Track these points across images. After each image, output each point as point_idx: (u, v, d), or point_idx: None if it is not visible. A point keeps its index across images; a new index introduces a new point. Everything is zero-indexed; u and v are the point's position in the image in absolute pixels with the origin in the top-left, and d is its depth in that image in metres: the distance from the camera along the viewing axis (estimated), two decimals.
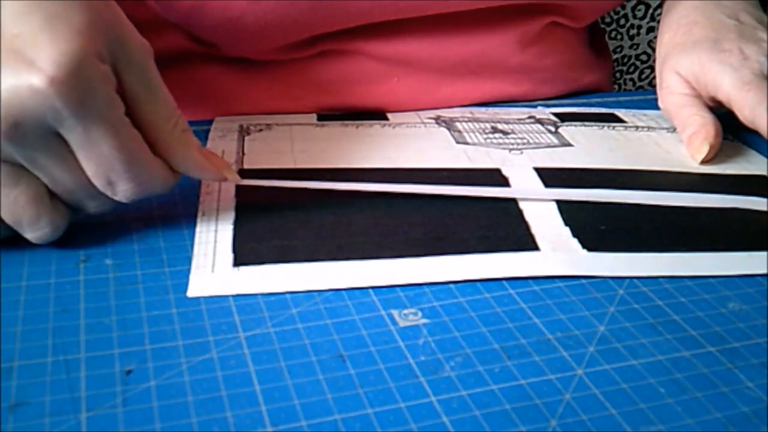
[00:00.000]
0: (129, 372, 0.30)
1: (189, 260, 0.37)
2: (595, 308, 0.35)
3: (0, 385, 0.29)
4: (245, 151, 0.48)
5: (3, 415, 0.28)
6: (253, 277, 0.36)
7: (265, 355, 0.32)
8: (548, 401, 0.30)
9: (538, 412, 0.29)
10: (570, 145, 0.51)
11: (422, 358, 0.32)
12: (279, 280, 0.36)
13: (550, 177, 0.46)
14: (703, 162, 0.49)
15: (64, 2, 0.33)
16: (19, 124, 0.32)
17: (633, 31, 0.93)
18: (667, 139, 0.53)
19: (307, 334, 0.33)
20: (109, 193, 0.36)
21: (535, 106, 0.59)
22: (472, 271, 0.37)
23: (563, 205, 0.43)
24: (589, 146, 0.51)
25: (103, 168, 0.35)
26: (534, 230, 0.41)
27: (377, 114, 0.56)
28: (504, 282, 0.37)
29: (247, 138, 0.50)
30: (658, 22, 0.60)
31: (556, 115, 0.57)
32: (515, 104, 0.59)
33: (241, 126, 0.52)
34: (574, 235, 0.40)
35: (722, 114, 0.51)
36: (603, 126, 0.55)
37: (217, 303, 0.35)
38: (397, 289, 0.36)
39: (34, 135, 0.33)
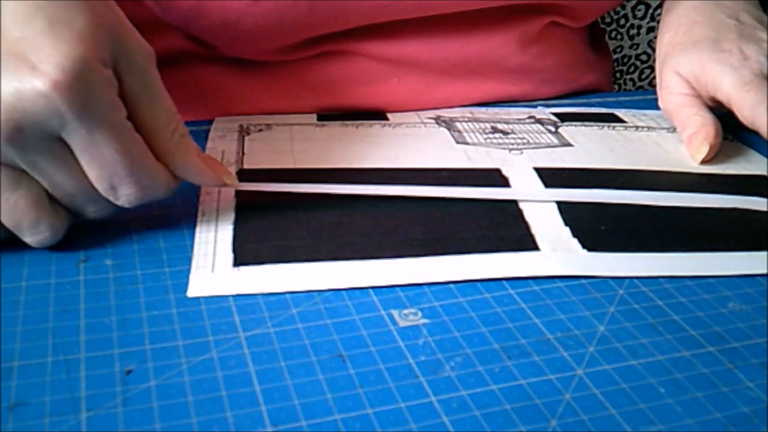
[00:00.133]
0: (129, 372, 0.30)
1: (189, 260, 0.37)
2: (595, 308, 0.35)
3: (0, 385, 0.29)
4: (245, 151, 0.48)
5: (3, 415, 0.28)
6: (253, 277, 0.36)
7: (265, 355, 0.32)
8: (548, 401, 0.30)
9: (538, 412, 0.29)
10: (570, 145, 0.51)
11: (422, 358, 0.32)
12: (279, 280, 0.36)
13: (550, 177, 0.46)
14: (703, 162, 0.49)
15: (66, 6, 0.33)
16: (21, 128, 0.32)
17: (633, 31, 0.93)
18: (667, 139, 0.53)
19: (307, 334, 0.33)
20: (111, 198, 0.36)
21: (535, 106, 0.59)
22: (472, 271, 0.37)
23: (563, 205, 0.43)
24: (589, 146, 0.51)
25: (106, 172, 0.35)
26: (534, 230, 0.41)
27: (377, 114, 0.56)
28: (504, 282, 0.37)
29: (247, 138, 0.50)
30: (658, 22, 0.60)
31: (556, 115, 0.57)
32: (515, 104, 0.59)
33: (241, 126, 0.52)
34: (574, 235, 0.40)
35: (722, 114, 0.51)
36: (603, 126, 0.55)
37: (217, 303, 0.35)
38: (397, 289, 0.36)
39: (36, 139, 0.33)
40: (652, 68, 0.95)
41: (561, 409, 0.30)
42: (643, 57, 0.95)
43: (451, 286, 0.36)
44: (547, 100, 0.60)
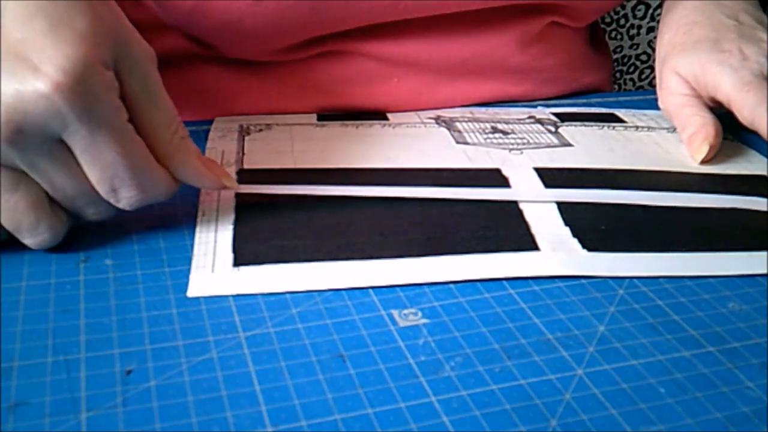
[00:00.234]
0: (129, 372, 0.30)
1: (189, 260, 0.37)
2: (595, 308, 0.35)
3: (0, 385, 0.29)
4: (245, 151, 0.48)
5: (3, 415, 0.28)
6: (253, 277, 0.36)
7: (265, 355, 0.32)
8: (548, 401, 0.30)
9: (538, 412, 0.29)
10: (570, 145, 0.51)
11: (422, 358, 0.32)
12: (279, 280, 0.36)
13: (550, 177, 0.46)
14: (703, 162, 0.49)
15: (67, 7, 0.33)
16: (21, 129, 0.32)
17: (633, 31, 0.93)
18: (667, 139, 0.53)
19: (307, 334, 0.33)
20: (112, 201, 0.36)
21: (535, 106, 0.59)
22: (472, 271, 0.37)
23: (563, 205, 0.43)
24: (589, 146, 0.51)
25: (106, 174, 0.35)
26: (534, 230, 0.41)
27: (377, 114, 0.56)
28: (504, 282, 0.37)
29: (247, 138, 0.50)
30: (658, 22, 0.60)
31: (556, 115, 0.57)
32: (515, 104, 0.59)
33: (241, 126, 0.52)
34: (574, 235, 0.40)
35: (722, 114, 0.51)
36: (603, 126, 0.55)
37: (217, 303, 0.35)
38: (397, 289, 0.36)
39: (37, 140, 0.33)
40: (652, 68, 0.95)
41: (561, 409, 0.30)
42: (643, 57, 0.95)
43: (451, 286, 0.36)
44: (547, 100, 0.60)
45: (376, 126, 0.53)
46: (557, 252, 0.39)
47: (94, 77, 0.33)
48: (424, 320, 0.34)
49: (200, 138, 0.50)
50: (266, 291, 0.35)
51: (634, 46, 0.94)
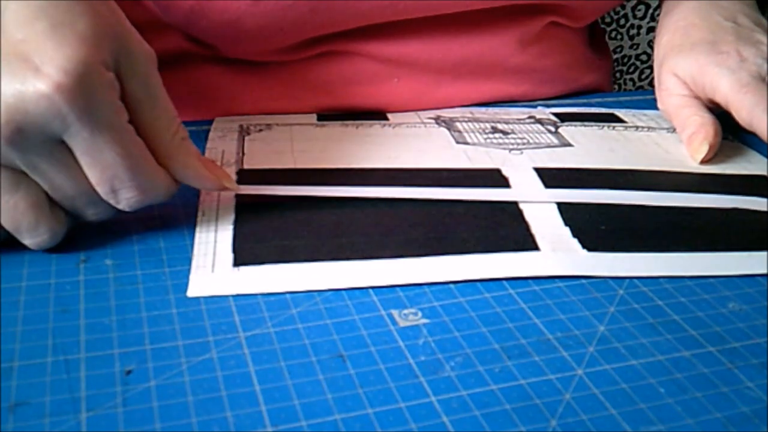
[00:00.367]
0: (129, 372, 0.30)
1: (189, 260, 0.37)
2: (595, 308, 0.35)
3: (0, 385, 0.29)
4: (245, 151, 0.48)
5: (3, 415, 0.28)
6: (253, 277, 0.36)
7: (265, 355, 0.32)
8: (548, 401, 0.30)
9: (538, 412, 0.29)
10: (570, 145, 0.51)
11: (422, 358, 0.32)
12: (279, 280, 0.36)
13: (550, 177, 0.46)
14: (703, 162, 0.49)
15: (68, 8, 0.33)
16: (22, 130, 0.32)
17: (633, 31, 0.93)
18: (667, 139, 0.53)
19: (307, 334, 0.33)
20: (112, 201, 0.36)
21: (535, 106, 0.59)
22: (472, 271, 0.37)
23: (563, 205, 0.43)
24: (589, 146, 0.51)
25: (107, 175, 0.35)
26: (534, 230, 0.41)
27: (377, 114, 0.56)
28: (504, 282, 0.37)
29: (247, 138, 0.50)
30: (658, 22, 0.60)
31: (556, 115, 0.57)
32: (515, 104, 0.59)
33: (241, 126, 0.52)
34: (574, 235, 0.40)
35: (722, 114, 0.51)
36: (603, 126, 0.55)
37: (217, 303, 0.35)
38: (397, 289, 0.36)
39: (37, 141, 0.33)
40: (652, 68, 0.95)
41: (561, 409, 0.30)
42: (643, 57, 0.95)
43: (451, 286, 0.36)
44: (547, 100, 0.60)
45: (376, 126, 0.53)
46: (557, 252, 0.39)
47: (95, 78, 0.33)
48: (424, 320, 0.34)
49: (200, 138, 0.50)
50: (266, 291, 0.35)
51: (634, 46, 0.94)
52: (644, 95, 0.61)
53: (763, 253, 0.40)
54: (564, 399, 0.30)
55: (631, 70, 0.96)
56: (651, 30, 0.93)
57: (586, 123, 0.55)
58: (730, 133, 0.52)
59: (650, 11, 0.92)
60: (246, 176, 0.45)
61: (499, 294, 0.36)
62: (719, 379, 0.31)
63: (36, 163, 0.34)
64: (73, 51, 0.32)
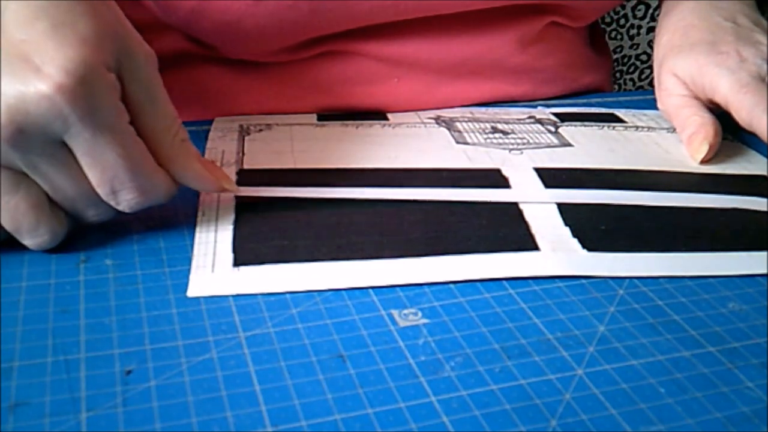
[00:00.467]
0: (129, 372, 0.30)
1: (189, 260, 0.37)
2: (595, 308, 0.35)
3: (0, 385, 0.29)
4: (245, 151, 0.48)
5: (3, 415, 0.28)
6: (253, 277, 0.36)
7: (265, 355, 0.32)
8: (548, 401, 0.30)
9: (538, 412, 0.29)
10: (570, 145, 0.51)
11: (422, 358, 0.32)
12: (279, 280, 0.36)
13: (550, 177, 0.46)
14: (703, 162, 0.49)
15: (69, 9, 0.33)
16: (23, 130, 0.32)
17: (633, 31, 0.93)
18: (667, 139, 0.53)
19: (307, 334, 0.33)
20: (112, 203, 0.36)
21: (535, 106, 0.59)
22: (472, 271, 0.37)
23: (563, 205, 0.43)
24: (589, 146, 0.51)
25: (107, 176, 0.35)
26: (534, 230, 0.41)
27: (377, 114, 0.56)
28: (504, 282, 0.37)
29: (247, 138, 0.50)
30: (658, 22, 0.60)
31: (556, 115, 0.57)
32: (515, 104, 0.59)
33: (241, 126, 0.52)
34: (574, 235, 0.40)
35: (722, 114, 0.51)
36: (603, 126, 0.55)
37: (217, 303, 0.35)
38: (397, 289, 0.36)
39: (38, 141, 0.33)
40: (652, 68, 0.95)
41: (561, 409, 0.30)
42: (643, 57, 0.95)
43: (451, 286, 0.36)
44: (547, 100, 0.60)
45: (376, 126, 0.53)
46: (557, 252, 0.39)
47: (97, 79, 0.33)
48: (424, 320, 0.34)
49: (200, 138, 0.50)
50: (266, 291, 0.35)
51: (634, 46, 0.94)
52: (644, 95, 0.61)
53: (763, 253, 0.40)
54: (564, 399, 0.30)
55: (631, 70, 0.96)
56: (651, 30, 0.93)
57: (586, 123, 0.55)
58: (730, 133, 0.52)
59: (650, 11, 0.92)
60: (246, 176, 0.45)
61: (499, 294, 0.36)
62: (719, 379, 0.31)
63: (36, 163, 0.34)
64: (74, 51, 0.32)
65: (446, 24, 0.55)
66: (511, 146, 0.51)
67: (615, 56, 0.93)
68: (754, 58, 0.50)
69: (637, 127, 0.55)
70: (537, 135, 0.53)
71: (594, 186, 0.45)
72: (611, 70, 0.70)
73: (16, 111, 0.32)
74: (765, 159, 0.51)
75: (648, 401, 0.30)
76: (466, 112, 0.57)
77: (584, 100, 0.60)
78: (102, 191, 0.35)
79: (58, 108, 0.32)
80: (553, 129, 0.54)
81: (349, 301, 0.35)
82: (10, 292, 0.35)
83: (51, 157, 0.34)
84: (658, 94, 0.55)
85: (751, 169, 0.49)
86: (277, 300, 0.35)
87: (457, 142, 0.51)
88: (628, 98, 0.61)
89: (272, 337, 0.33)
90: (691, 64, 0.51)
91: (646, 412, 0.30)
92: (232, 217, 0.41)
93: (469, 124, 0.54)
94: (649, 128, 0.55)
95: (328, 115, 0.55)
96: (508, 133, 0.53)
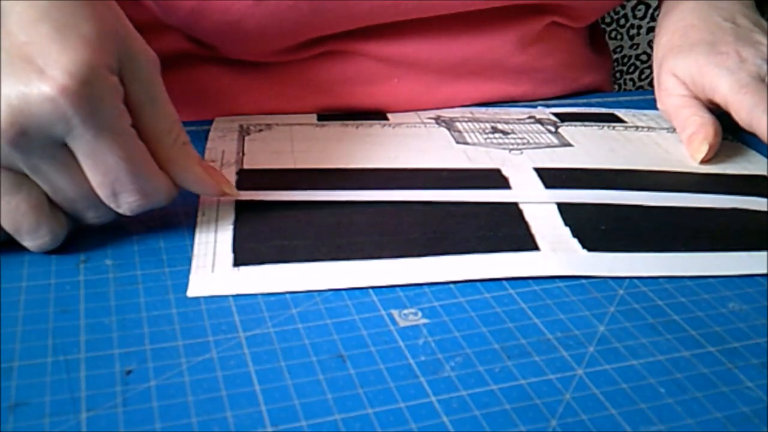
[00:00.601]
0: (129, 372, 0.30)
1: (189, 260, 0.37)
2: (595, 308, 0.35)
3: (0, 385, 0.29)
4: (245, 151, 0.48)
5: (3, 415, 0.28)
6: (253, 277, 0.36)
7: (265, 355, 0.32)
8: (548, 401, 0.30)
9: (538, 412, 0.29)
10: (570, 145, 0.51)
11: (422, 358, 0.32)
12: (279, 280, 0.36)
13: (550, 177, 0.46)
14: (703, 162, 0.49)
15: (73, 11, 0.33)
16: (25, 132, 0.32)
17: (633, 31, 0.93)
18: (667, 139, 0.53)
19: (307, 334, 0.33)
20: (113, 205, 0.36)
21: (535, 106, 0.59)
22: (472, 271, 0.37)
23: (563, 205, 0.43)
24: (589, 146, 0.51)
25: (108, 178, 0.35)
26: (534, 230, 0.41)
27: (377, 114, 0.56)
28: (504, 282, 0.37)
29: (247, 138, 0.50)
30: (657, 22, 0.60)
31: (556, 115, 0.57)
32: (515, 104, 0.59)
33: (241, 126, 0.52)
34: (574, 235, 0.40)
35: (722, 114, 0.51)
36: (603, 126, 0.55)
37: (217, 303, 0.35)
38: (397, 289, 0.36)
39: (40, 143, 0.33)
40: (652, 68, 0.95)
41: (561, 409, 0.30)
42: (643, 57, 0.95)
43: (451, 286, 0.36)
44: (547, 100, 0.60)
45: (376, 126, 0.53)
46: (557, 252, 0.39)
47: (100, 81, 0.33)
48: (424, 320, 0.34)
49: (200, 138, 0.50)
50: (266, 291, 0.35)
51: (634, 46, 0.94)
52: (644, 95, 0.62)
53: (763, 253, 0.40)
54: (564, 399, 0.30)
55: (631, 70, 0.96)
56: (651, 30, 0.93)
57: (586, 123, 0.55)
58: (730, 133, 0.53)
59: (650, 11, 0.92)
60: (246, 176, 0.45)
61: (499, 294, 0.36)
62: (719, 379, 0.31)
63: (38, 165, 0.34)
64: (77, 54, 0.32)
65: (446, 24, 0.55)
66: (511, 146, 0.51)
67: (615, 56, 0.93)
68: (754, 58, 0.50)
69: (637, 127, 0.55)
70: (537, 135, 0.53)
71: (594, 186, 0.45)
72: (611, 70, 0.70)
73: (19, 112, 0.32)
74: (765, 159, 0.51)
75: (648, 401, 0.30)
76: (466, 112, 0.57)
77: (584, 100, 0.60)
78: (103, 193, 0.35)
79: (61, 110, 0.32)
80: (553, 129, 0.54)
81: (349, 301, 0.35)
82: (10, 292, 0.35)
83: (52, 158, 0.34)
84: (658, 94, 0.55)
85: (751, 169, 0.49)
86: (277, 300, 0.35)
87: (457, 142, 0.51)
88: (628, 98, 0.61)
89: (272, 337, 0.33)
90: (691, 65, 0.51)
91: (646, 412, 0.30)
92: (232, 217, 0.41)
93: (469, 124, 0.54)
94: (649, 128, 0.55)
95: (328, 115, 0.55)
96: (508, 133, 0.53)
